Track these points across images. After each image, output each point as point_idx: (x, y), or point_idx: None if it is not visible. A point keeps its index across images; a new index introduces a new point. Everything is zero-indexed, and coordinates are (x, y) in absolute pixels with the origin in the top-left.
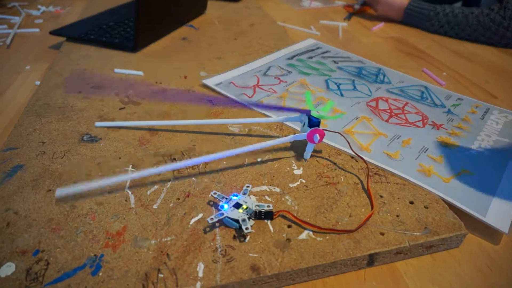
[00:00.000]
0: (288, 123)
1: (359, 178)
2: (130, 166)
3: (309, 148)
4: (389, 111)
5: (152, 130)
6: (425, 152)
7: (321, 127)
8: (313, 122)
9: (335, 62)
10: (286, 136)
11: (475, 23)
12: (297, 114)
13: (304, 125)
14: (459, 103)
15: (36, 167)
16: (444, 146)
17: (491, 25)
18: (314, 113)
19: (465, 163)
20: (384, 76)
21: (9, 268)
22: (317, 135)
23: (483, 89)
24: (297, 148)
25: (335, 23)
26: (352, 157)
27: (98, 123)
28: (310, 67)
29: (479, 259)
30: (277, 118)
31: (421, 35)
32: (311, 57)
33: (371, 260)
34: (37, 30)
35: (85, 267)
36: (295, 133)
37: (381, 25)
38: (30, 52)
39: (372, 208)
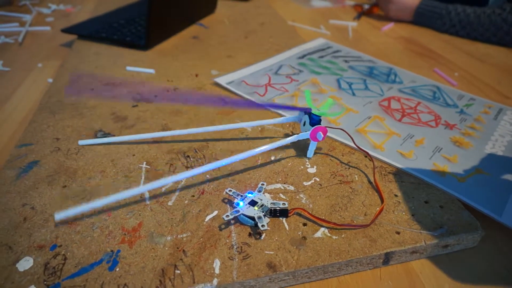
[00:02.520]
0: None
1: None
2: (144, 163)
3: (312, 146)
4: (401, 110)
5: (165, 128)
6: (439, 151)
7: (333, 125)
8: (315, 121)
9: (346, 61)
10: (289, 137)
11: (487, 22)
12: (296, 114)
13: (304, 124)
14: (471, 103)
15: (51, 163)
16: (458, 146)
17: (503, 25)
18: (314, 111)
19: (479, 163)
20: (396, 76)
21: (27, 263)
22: (320, 133)
23: (495, 89)
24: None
25: (345, 23)
26: (366, 156)
27: (81, 141)
28: (321, 66)
29: (495, 259)
30: (276, 120)
31: (432, 35)
32: (322, 57)
33: (387, 259)
34: (48, 28)
35: (102, 262)
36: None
37: (391, 25)
38: (42, 50)
39: (382, 202)
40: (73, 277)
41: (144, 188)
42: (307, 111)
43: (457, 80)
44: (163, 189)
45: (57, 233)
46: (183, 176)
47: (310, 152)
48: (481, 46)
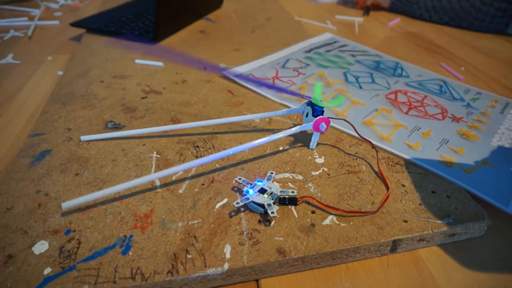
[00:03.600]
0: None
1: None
2: (155, 152)
3: (315, 137)
4: (408, 103)
5: (174, 119)
6: (445, 143)
7: (340, 117)
8: (317, 112)
9: (352, 55)
10: (292, 128)
11: (457, 7)
12: (298, 106)
13: (307, 115)
14: (478, 97)
15: (64, 152)
16: (465, 139)
17: (471, 10)
18: (316, 102)
19: (486, 156)
20: (402, 70)
21: (42, 246)
22: (323, 123)
23: (502, 84)
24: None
25: (351, 18)
26: (373, 147)
27: (84, 137)
28: (328, 60)
29: (502, 248)
30: (280, 112)
31: (438, 30)
32: (328, 51)
33: (394, 246)
34: (56, 22)
35: (115, 246)
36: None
37: (397, 20)
38: (51, 44)
39: (388, 189)
40: (88, 260)
41: (155, 176)
42: (309, 103)
43: (463, 74)
44: (174, 177)
45: (71, 218)
46: (194, 163)
47: (313, 143)
48: (488, 41)
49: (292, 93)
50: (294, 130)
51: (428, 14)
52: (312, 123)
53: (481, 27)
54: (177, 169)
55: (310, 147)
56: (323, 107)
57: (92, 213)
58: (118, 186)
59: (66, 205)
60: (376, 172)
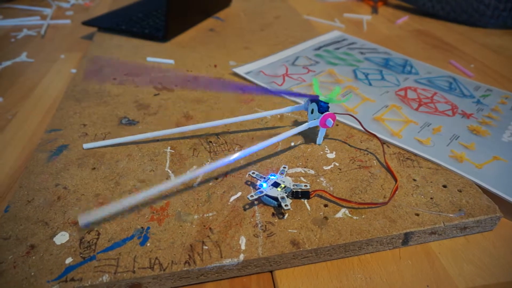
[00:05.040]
0: None
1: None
2: (169, 147)
3: (322, 133)
4: (418, 100)
5: (187, 115)
6: (456, 139)
7: (346, 112)
8: (323, 108)
9: (361, 53)
10: (302, 125)
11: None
12: (302, 103)
13: (312, 112)
14: (488, 94)
15: (80, 147)
16: (475, 134)
17: (473, 1)
18: (322, 98)
19: (497, 151)
20: (412, 67)
21: (63, 237)
22: (330, 119)
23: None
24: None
25: (359, 16)
26: (384, 143)
27: (86, 145)
28: (338, 57)
29: None
30: (282, 110)
31: (447, 28)
32: (337, 48)
33: (406, 239)
34: (68, 21)
35: (133, 238)
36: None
37: (405, 18)
38: (64, 42)
39: (396, 181)
40: (107, 250)
41: (178, 180)
42: (314, 99)
43: (473, 71)
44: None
45: (89, 211)
46: (214, 165)
47: (319, 139)
48: (497, 38)
49: (296, 94)
50: (303, 127)
51: (431, 4)
52: (319, 119)
53: (482, 20)
54: (200, 172)
55: (317, 143)
56: (328, 103)
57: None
58: (145, 192)
59: (84, 219)
60: (387, 168)
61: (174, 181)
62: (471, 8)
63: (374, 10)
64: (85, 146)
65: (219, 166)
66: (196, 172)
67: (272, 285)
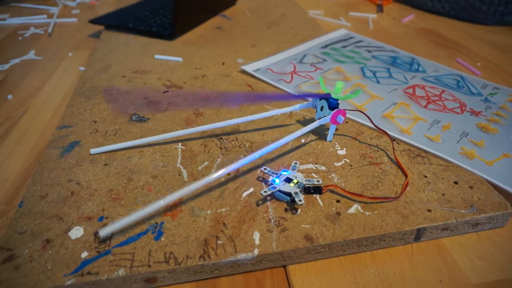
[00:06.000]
0: None
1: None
2: (180, 144)
3: (332, 129)
4: (426, 97)
5: (197, 112)
6: (465, 136)
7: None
8: (333, 105)
9: (368, 51)
10: (312, 123)
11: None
12: (310, 101)
13: (322, 109)
14: (496, 92)
15: (91, 143)
16: (485, 132)
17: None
18: (332, 95)
19: (506, 148)
20: (419, 65)
21: (78, 231)
22: (341, 116)
23: None
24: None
25: (365, 15)
26: (394, 140)
27: (93, 150)
28: (345, 55)
29: None
30: (291, 108)
31: (452, 26)
32: (344, 46)
33: (419, 234)
34: (74, 20)
35: (147, 232)
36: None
37: (411, 16)
38: (71, 40)
39: (406, 176)
40: (122, 245)
41: (193, 186)
42: (325, 97)
43: (480, 69)
44: (200, 167)
45: (103, 206)
46: (232, 168)
47: (330, 136)
48: (503, 36)
49: (311, 95)
50: (315, 124)
51: (432, 4)
52: (329, 116)
53: (480, 17)
54: (212, 178)
55: (328, 140)
56: (338, 100)
57: (123, 201)
58: (169, 197)
59: (104, 232)
60: (397, 164)
61: (199, 183)
62: (468, 5)
63: (380, 9)
64: (92, 151)
65: (242, 165)
66: (220, 172)
67: (286, 280)
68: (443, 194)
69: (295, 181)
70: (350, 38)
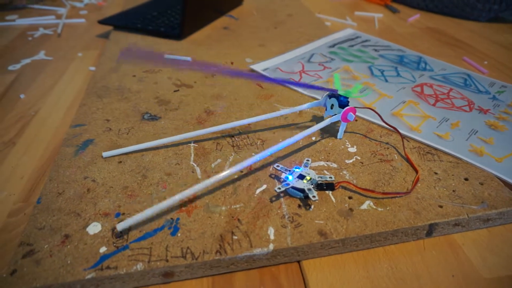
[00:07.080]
0: None
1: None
2: (192, 142)
3: (343, 127)
4: (434, 96)
5: (207, 111)
6: (474, 134)
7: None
8: (343, 102)
9: (376, 50)
10: (323, 121)
11: None
12: (320, 99)
13: (332, 107)
14: (503, 90)
15: (105, 141)
16: (493, 129)
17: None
18: (340, 93)
19: None
20: (426, 64)
21: (96, 227)
22: (351, 113)
23: None
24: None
25: (371, 14)
26: (404, 137)
27: (105, 153)
28: (352, 54)
29: None
30: (301, 107)
31: (458, 25)
32: (351, 46)
33: (430, 230)
34: (83, 20)
35: (163, 228)
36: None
37: (417, 16)
38: (80, 41)
39: (416, 172)
40: (139, 240)
41: (207, 182)
42: (333, 94)
43: (487, 68)
44: (213, 165)
45: (119, 202)
46: (244, 164)
47: (340, 133)
48: (509, 35)
49: (316, 87)
50: (326, 122)
51: (424, 3)
52: (340, 114)
53: (474, 14)
54: (230, 172)
55: (338, 137)
56: (348, 98)
57: (139, 198)
58: (185, 192)
59: (122, 225)
60: (407, 160)
61: (213, 179)
62: (462, 2)
63: (394, 9)
64: (105, 154)
65: (254, 162)
66: (233, 169)
67: (301, 275)
68: (454, 191)
69: (308, 177)
70: (357, 37)
